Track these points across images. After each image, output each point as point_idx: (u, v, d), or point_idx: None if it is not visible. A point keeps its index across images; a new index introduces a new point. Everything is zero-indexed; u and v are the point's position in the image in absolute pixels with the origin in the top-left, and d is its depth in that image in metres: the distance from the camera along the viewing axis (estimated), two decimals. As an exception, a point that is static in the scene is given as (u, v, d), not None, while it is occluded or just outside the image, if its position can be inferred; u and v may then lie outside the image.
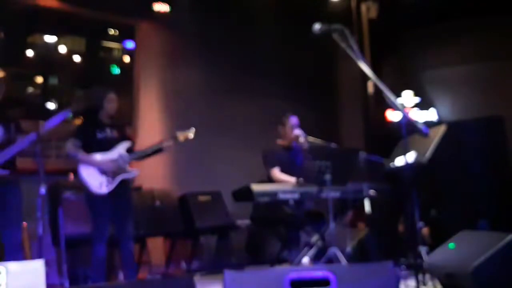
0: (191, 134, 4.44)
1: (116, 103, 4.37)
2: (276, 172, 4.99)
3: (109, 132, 4.33)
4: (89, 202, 4.18)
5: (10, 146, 3.73)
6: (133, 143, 4.46)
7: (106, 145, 4.26)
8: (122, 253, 4.32)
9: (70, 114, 4.11)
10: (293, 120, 5.15)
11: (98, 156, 4.20)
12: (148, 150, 4.43)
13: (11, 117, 3.93)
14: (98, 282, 4.08)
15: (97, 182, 4.12)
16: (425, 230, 5.03)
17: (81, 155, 4.16)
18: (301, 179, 4.62)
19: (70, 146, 4.17)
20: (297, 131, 5.05)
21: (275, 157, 5.07)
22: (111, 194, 4.15)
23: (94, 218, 4.19)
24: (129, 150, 4.35)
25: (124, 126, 4.56)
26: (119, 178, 4.20)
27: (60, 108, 5.88)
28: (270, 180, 5.00)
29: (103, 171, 4.16)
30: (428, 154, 4.56)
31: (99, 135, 4.26)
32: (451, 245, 3.81)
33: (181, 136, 4.40)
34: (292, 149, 5.18)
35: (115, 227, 4.27)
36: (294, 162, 5.00)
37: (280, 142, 5.22)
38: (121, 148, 4.30)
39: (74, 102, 4.45)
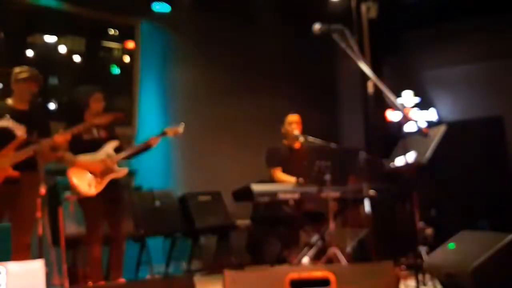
0: (180, 129, 4.42)
1: (103, 102, 4.26)
2: (277, 172, 4.99)
3: (96, 133, 4.23)
4: (81, 204, 4.15)
5: (27, 147, 3.73)
6: (121, 142, 4.37)
7: (93, 146, 4.18)
8: (113, 253, 4.29)
9: None
10: (290, 118, 5.15)
11: (85, 157, 4.12)
12: (137, 148, 4.39)
13: (38, 120, 3.93)
14: (96, 282, 4.09)
15: (85, 183, 4.05)
16: (429, 231, 5.03)
17: (68, 156, 4.08)
18: (301, 179, 4.62)
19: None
20: (296, 132, 5.06)
21: (278, 157, 5.08)
22: (101, 194, 4.10)
23: (87, 219, 4.17)
24: (117, 149, 4.27)
25: (113, 126, 4.42)
26: (108, 178, 4.14)
27: (60, 108, 5.88)
28: (273, 179, 5.01)
29: (91, 172, 4.09)
30: (428, 154, 4.56)
31: (86, 136, 4.15)
32: (451, 245, 3.81)
33: (170, 131, 4.39)
34: (296, 149, 5.18)
35: (109, 227, 4.25)
36: (297, 162, 5.00)
37: (284, 142, 5.23)
38: (108, 148, 4.22)
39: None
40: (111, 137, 4.31)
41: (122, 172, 4.25)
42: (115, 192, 4.21)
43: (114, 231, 4.23)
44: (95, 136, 4.22)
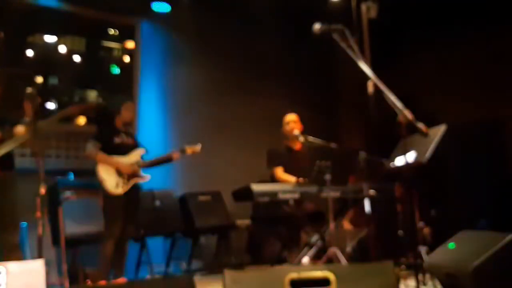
0: (198, 148, 4.75)
1: (134, 112, 4.73)
2: (279, 172, 4.99)
3: (125, 138, 4.58)
4: (105, 201, 4.38)
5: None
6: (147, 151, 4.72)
7: (123, 150, 4.51)
8: (116, 252, 4.37)
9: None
10: (288, 117, 5.15)
11: (118, 158, 4.43)
12: (159, 159, 4.71)
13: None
14: (101, 280, 4.13)
15: (114, 182, 4.34)
16: (426, 230, 5.03)
17: (102, 155, 4.37)
18: (301, 179, 4.62)
19: (91, 146, 4.39)
20: (296, 131, 5.05)
21: (278, 157, 5.08)
22: (124, 195, 4.37)
23: (107, 216, 4.39)
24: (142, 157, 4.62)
25: (134, 134, 4.82)
26: (133, 181, 4.45)
27: (60, 108, 5.88)
28: (273, 179, 5.00)
29: (119, 173, 4.38)
30: (428, 154, 4.56)
31: (117, 140, 4.50)
32: (451, 245, 3.80)
33: (189, 149, 4.72)
34: (296, 150, 5.18)
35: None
36: (297, 162, 5.00)
37: (284, 142, 5.23)
38: (137, 154, 4.56)
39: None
40: (136, 144, 4.65)
41: (145, 177, 4.55)
42: (134, 195, 4.48)
43: (123, 232, 4.39)
44: (124, 141, 4.56)
